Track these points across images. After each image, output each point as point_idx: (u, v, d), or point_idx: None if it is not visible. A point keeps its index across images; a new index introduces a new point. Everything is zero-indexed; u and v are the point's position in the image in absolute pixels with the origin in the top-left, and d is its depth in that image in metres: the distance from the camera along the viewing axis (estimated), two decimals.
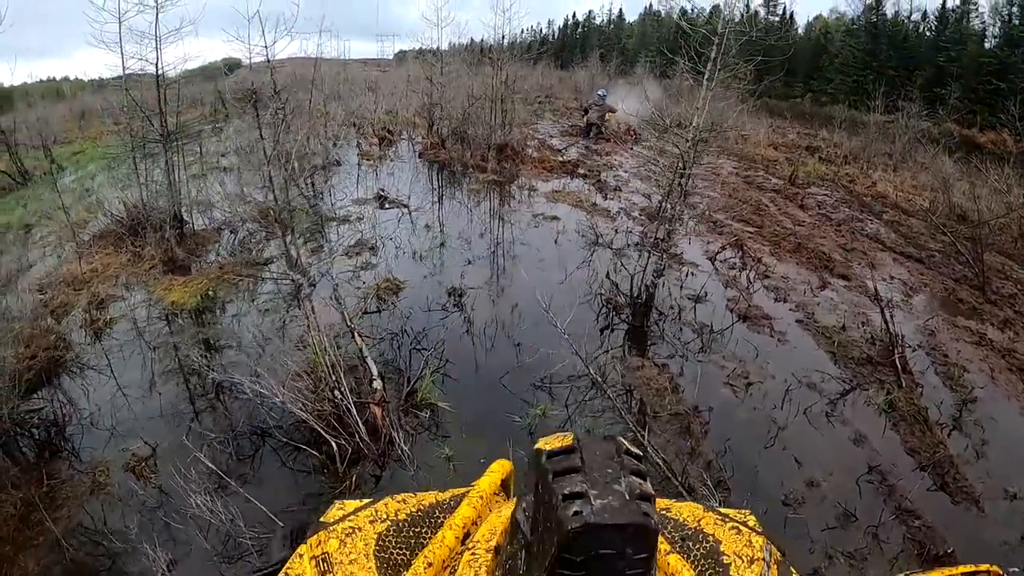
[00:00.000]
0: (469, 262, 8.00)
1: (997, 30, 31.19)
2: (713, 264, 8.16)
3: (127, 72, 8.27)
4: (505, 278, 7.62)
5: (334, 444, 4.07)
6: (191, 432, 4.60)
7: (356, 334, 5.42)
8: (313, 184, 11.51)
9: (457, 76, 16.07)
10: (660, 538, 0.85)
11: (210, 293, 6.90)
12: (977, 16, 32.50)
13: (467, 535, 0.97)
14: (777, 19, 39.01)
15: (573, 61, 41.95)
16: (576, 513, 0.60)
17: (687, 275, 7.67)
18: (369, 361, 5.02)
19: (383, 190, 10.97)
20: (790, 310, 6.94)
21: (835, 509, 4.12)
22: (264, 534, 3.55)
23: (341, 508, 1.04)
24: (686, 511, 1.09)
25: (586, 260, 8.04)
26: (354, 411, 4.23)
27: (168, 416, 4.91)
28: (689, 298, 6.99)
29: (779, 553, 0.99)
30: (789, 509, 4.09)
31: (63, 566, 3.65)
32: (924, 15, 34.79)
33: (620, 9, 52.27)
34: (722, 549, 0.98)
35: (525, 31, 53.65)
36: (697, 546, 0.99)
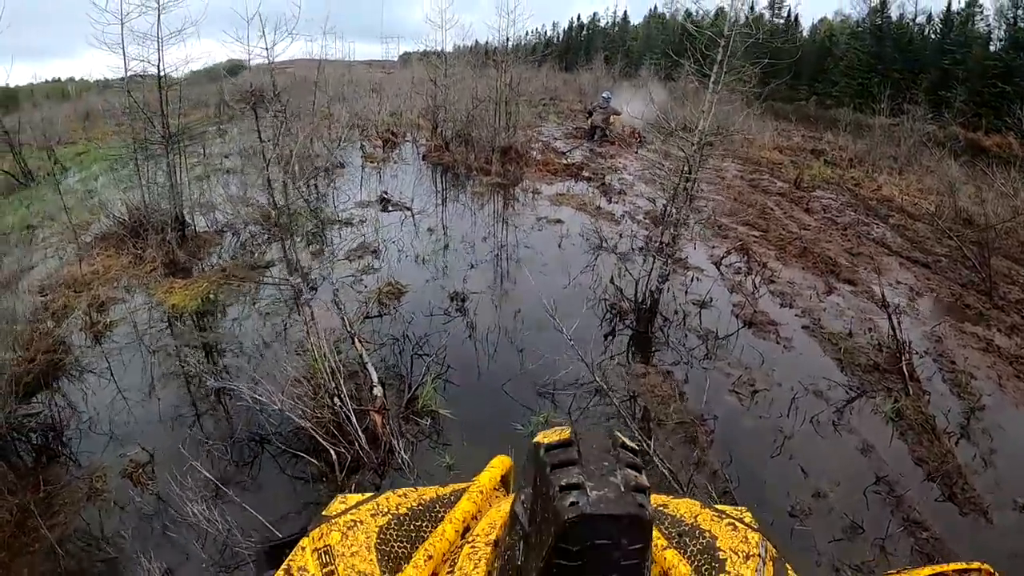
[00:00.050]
0: (472, 266, 7.96)
1: (1002, 33, 31.06)
2: (718, 269, 8.10)
3: (129, 73, 8.25)
4: (508, 282, 7.57)
5: (333, 452, 4.02)
6: (190, 437, 4.56)
7: (356, 339, 5.36)
8: (317, 186, 11.49)
9: (461, 78, 16.08)
10: (657, 533, 0.89)
11: (211, 296, 6.86)
12: (982, 19, 32.40)
13: (467, 529, 0.98)
14: (782, 22, 38.97)
15: (577, 63, 41.94)
16: (572, 504, 0.61)
17: (692, 280, 7.61)
18: (369, 367, 4.97)
19: (386, 193, 10.93)
20: (796, 316, 6.87)
21: (842, 521, 4.05)
22: (261, 544, 3.49)
23: (343, 502, 1.04)
24: (683, 507, 1.09)
25: (590, 264, 7.98)
26: (354, 419, 4.17)
27: (167, 421, 4.87)
28: (694, 303, 6.93)
29: (774, 550, 0.99)
30: (796, 521, 4.02)
31: (58, 574, 3.60)
32: (929, 18, 34.73)
33: (625, 11, 52.54)
34: (718, 545, 0.98)
35: (529, 33, 53.78)
36: (693, 542, 0.99)
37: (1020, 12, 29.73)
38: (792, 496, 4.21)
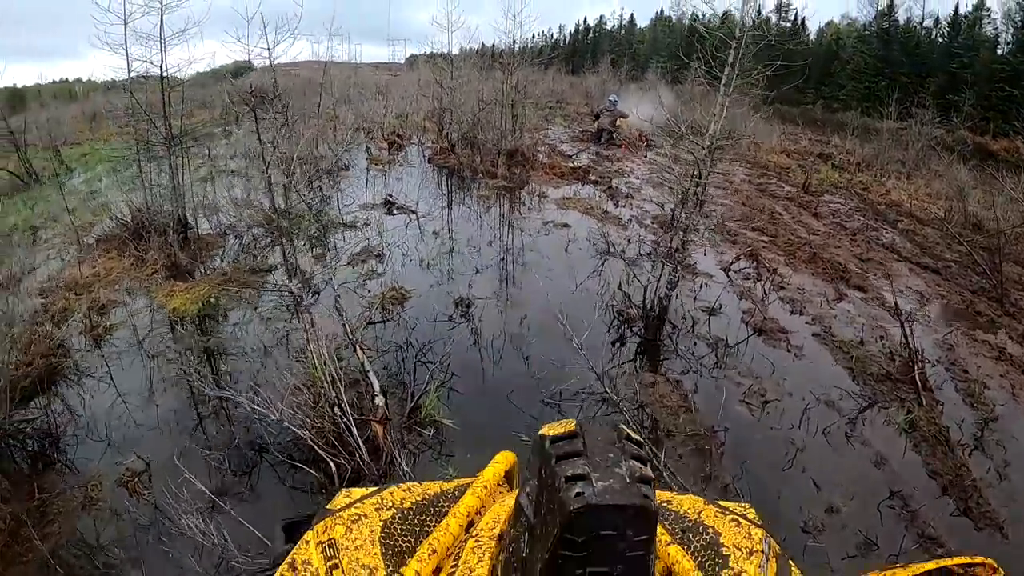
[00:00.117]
0: (477, 271, 7.86)
1: (1010, 36, 30.94)
2: (727, 275, 7.98)
3: (132, 74, 8.21)
4: (514, 287, 7.47)
5: (332, 464, 3.92)
6: (187, 446, 4.48)
7: (358, 347, 5.27)
8: (322, 188, 11.43)
9: (468, 81, 16.02)
10: (660, 529, 0.90)
11: (212, 300, 6.78)
12: (989, 22, 32.29)
13: (471, 524, 0.99)
14: (789, 25, 38.87)
15: (584, 66, 41.85)
16: (578, 494, 0.61)
17: (700, 286, 7.50)
18: (371, 375, 4.87)
19: (391, 195, 10.85)
20: (806, 323, 6.75)
21: (856, 537, 3.95)
22: (257, 558, 3.40)
23: (347, 496, 1.04)
24: (686, 503, 1.10)
25: (597, 270, 7.87)
26: (354, 429, 4.07)
27: (164, 428, 4.79)
28: (703, 310, 6.81)
29: (778, 546, 0.99)
30: (809, 536, 3.91)
31: None
32: (936, 21, 34.59)
33: (631, 14, 52.17)
34: (722, 541, 0.99)
35: (536, 36, 53.70)
36: (697, 537, 1.00)
37: None
38: (805, 511, 4.10)
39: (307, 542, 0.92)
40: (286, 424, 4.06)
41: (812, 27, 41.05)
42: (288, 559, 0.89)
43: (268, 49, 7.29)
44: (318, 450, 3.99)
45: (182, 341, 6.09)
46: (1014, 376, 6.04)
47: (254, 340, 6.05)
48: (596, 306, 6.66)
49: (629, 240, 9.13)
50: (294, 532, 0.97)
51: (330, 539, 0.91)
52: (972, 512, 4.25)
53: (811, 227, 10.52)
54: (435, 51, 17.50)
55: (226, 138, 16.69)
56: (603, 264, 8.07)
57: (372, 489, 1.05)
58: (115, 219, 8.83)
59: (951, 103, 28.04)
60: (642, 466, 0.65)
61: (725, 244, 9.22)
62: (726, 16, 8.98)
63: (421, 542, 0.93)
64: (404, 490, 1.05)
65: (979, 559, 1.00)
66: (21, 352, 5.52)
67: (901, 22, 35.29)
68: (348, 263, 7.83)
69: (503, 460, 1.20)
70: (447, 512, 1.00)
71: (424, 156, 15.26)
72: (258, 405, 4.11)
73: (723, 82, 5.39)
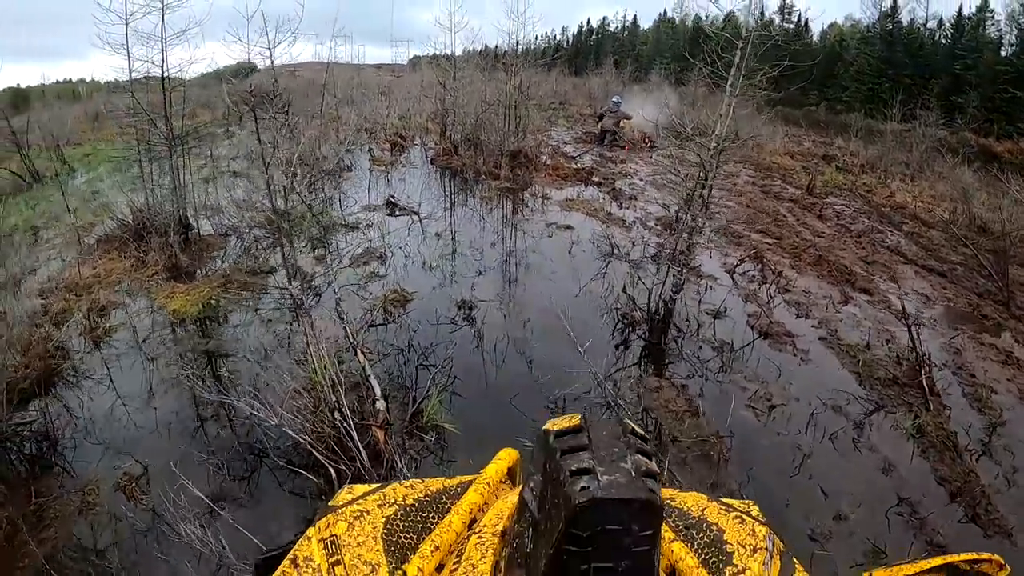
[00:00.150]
0: (480, 273, 7.79)
1: (1014, 38, 30.90)
2: (732, 277, 7.92)
3: (134, 74, 8.18)
4: (517, 289, 7.40)
5: (332, 470, 3.86)
6: (185, 451, 4.41)
7: (359, 351, 5.21)
8: (324, 189, 11.39)
9: (471, 82, 16.00)
10: (664, 525, 0.89)
11: (212, 302, 6.73)
12: (993, 24, 32.27)
13: (473, 520, 0.99)
14: (792, 27, 38.82)
15: (587, 68, 41.96)
16: (583, 488, 0.61)
17: (705, 289, 7.43)
18: (372, 380, 4.80)
19: (393, 196, 10.81)
20: (812, 327, 6.68)
21: (864, 545, 3.88)
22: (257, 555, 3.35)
23: (350, 492, 1.05)
24: (690, 500, 1.10)
25: (601, 272, 7.80)
26: (355, 434, 4.02)
27: (163, 432, 4.73)
28: (708, 313, 6.74)
29: (781, 543, 0.99)
30: (816, 545, 3.84)
31: None
32: (940, 23, 34.59)
33: (635, 16, 52.27)
34: (725, 538, 0.99)
35: (539, 37, 53.72)
36: (701, 534, 1.00)
37: None
38: (812, 519, 4.03)
39: (309, 538, 0.91)
40: (285, 429, 4.01)
41: (815, 28, 41.05)
42: (290, 555, 0.89)
43: (268, 48, 7.22)
44: (318, 455, 3.93)
45: (182, 343, 6.05)
46: (1021, 380, 5.97)
47: (255, 342, 5.99)
48: (600, 309, 6.61)
49: (633, 242, 9.07)
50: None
51: (332, 535, 0.91)
52: (981, 519, 4.18)
53: (816, 229, 10.47)
54: (438, 52, 17.47)
55: (228, 139, 16.67)
56: (607, 266, 8.01)
57: (375, 486, 1.05)
58: (116, 219, 8.80)
59: (955, 105, 28.06)
60: (647, 460, 0.65)
61: (729, 246, 9.15)
62: (729, 17, 8.92)
63: (424, 539, 0.94)
64: (407, 487, 1.05)
65: (985, 555, 1.02)
66: (20, 354, 5.47)
67: (905, 23, 35.24)
68: (350, 265, 7.77)
69: (506, 457, 1.22)
70: (450, 509, 1.01)
71: (427, 157, 15.24)
72: (257, 410, 4.05)
73: (729, 83, 5.33)
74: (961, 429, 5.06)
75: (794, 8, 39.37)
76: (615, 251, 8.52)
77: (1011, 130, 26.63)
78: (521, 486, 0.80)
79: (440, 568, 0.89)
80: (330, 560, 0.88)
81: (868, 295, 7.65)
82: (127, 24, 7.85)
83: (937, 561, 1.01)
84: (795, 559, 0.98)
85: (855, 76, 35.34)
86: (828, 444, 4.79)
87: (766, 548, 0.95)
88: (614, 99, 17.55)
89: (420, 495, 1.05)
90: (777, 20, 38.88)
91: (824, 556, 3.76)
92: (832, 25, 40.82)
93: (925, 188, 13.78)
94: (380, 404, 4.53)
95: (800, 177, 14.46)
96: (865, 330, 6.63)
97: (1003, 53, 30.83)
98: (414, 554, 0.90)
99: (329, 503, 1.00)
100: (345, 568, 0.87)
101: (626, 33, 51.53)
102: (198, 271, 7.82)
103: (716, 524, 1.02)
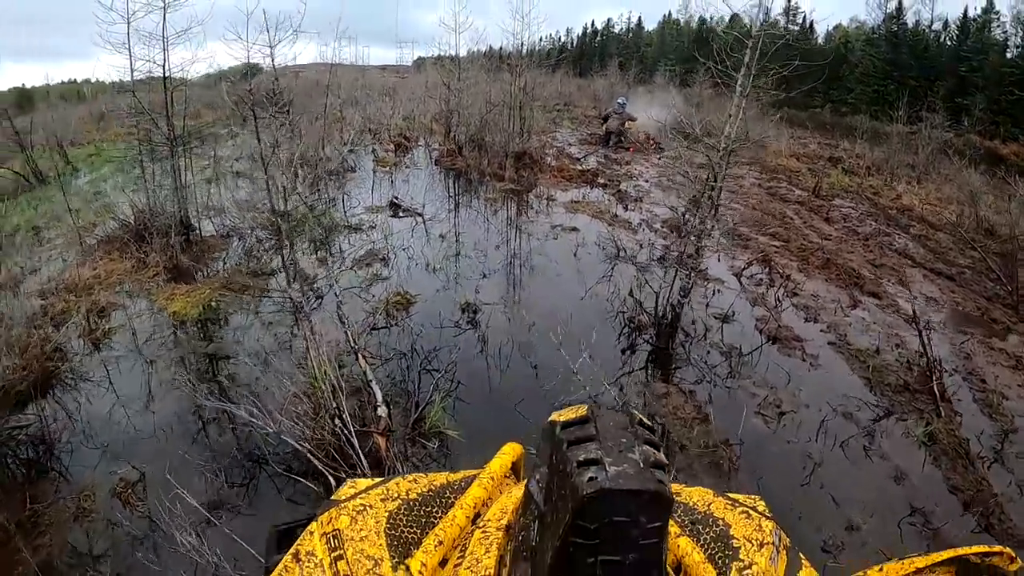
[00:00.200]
0: (484, 275, 7.71)
1: (1019, 40, 30.74)
2: (739, 281, 7.84)
3: (136, 74, 8.12)
4: (522, 292, 7.32)
5: (332, 478, 3.78)
6: (183, 456, 4.34)
7: (360, 355, 5.13)
8: (328, 190, 11.33)
9: (475, 83, 15.98)
10: (670, 520, 0.86)
11: (213, 304, 6.66)
12: (999, 25, 32.04)
13: (477, 515, 0.99)
14: (797, 29, 38.71)
15: (592, 69, 41.87)
16: (591, 479, 0.60)
17: (713, 292, 7.35)
18: (373, 385, 4.72)
19: (397, 198, 10.75)
20: (821, 331, 6.59)
21: (877, 556, 3.73)
22: (252, 575, 3.28)
23: (352, 486, 1.03)
24: (696, 495, 1.10)
25: (607, 275, 7.72)
26: (355, 441, 3.93)
27: (161, 436, 4.65)
28: (716, 317, 6.66)
29: (788, 538, 0.99)
30: (829, 556, 3.75)
31: None
32: (945, 24, 34.37)
33: (639, 17, 52.16)
34: (732, 533, 0.98)
35: (544, 39, 53.69)
36: (707, 529, 1.00)
37: None
38: (824, 529, 3.95)
39: (311, 533, 0.91)
40: (284, 437, 3.93)
41: (820, 30, 40.91)
42: (292, 550, 0.88)
43: (269, 46, 7.15)
44: (317, 463, 3.85)
45: (182, 346, 5.98)
46: None
47: (255, 345, 5.92)
48: (606, 312, 6.53)
49: (640, 245, 9.00)
50: (287, 541, 0.92)
51: (335, 530, 0.91)
52: (994, 529, 4.11)
53: (823, 232, 10.39)
54: (442, 53, 17.45)
55: (232, 139, 16.63)
56: (613, 269, 7.93)
57: (378, 480, 1.04)
58: (117, 220, 8.74)
59: (961, 107, 27.90)
60: (656, 451, 0.64)
61: (737, 249, 9.07)
62: (734, 19, 8.86)
63: (427, 533, 0.93)
64: (410, 481, 1.05)
65: (996, 548, 0.99)
66: (17, 355, 5.40)
67: (910, 25, 35.08)
68: (352, 267, 7.69)
69: (510, 451, 1.21)
70: (453, 503, 1.01)
71: (431, 158, 15.21)
72: (256, 417, 3.97)
73: (738, 83, 5.24)
74: (973, 436, 4.97)
75: (799, 10, 39.24)
76: (621, 253, 8.44)
77: (1017, 132, 26.45)
78: (526, 480, 0.78)
79: (444, 563, 0.89)
80: (333, 555, 0.87)
81: (877, 299, 7.56)
82: (129, 23, 7.81)
83: (948, 554, 0.99)
84: (801, 554, 0.97)
85: (860, 78, 35.15)
86: (839, 452, 4.70)
87: (773, 543, 0.95)
88: (619, 100, 17.46)
89: (423, 489, 1.04)
90: (782, 22, 38.75)
91: (836, 568, 3.66)
92: (837, 27, 40.68)
93: (932, 190, 13.71)
94: (382, 410, 4.45)
95: (806, 179, 14.39)
96: (874, 334, 6.56)
97: (1009, 55, 30.63)
98: (417, 548, 0.90)
99: (332, 497, 0.99)
100: (348, 563, 0.86)
101: (631, 34, 51.37)
102: (199, 272, 7.76)
103: (722, 519, 1.02)
